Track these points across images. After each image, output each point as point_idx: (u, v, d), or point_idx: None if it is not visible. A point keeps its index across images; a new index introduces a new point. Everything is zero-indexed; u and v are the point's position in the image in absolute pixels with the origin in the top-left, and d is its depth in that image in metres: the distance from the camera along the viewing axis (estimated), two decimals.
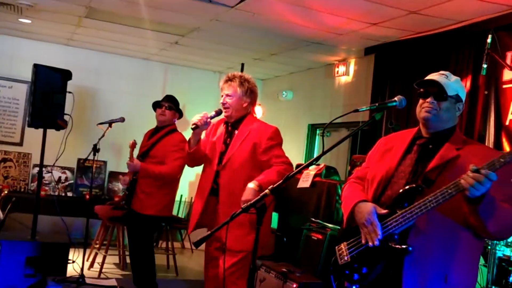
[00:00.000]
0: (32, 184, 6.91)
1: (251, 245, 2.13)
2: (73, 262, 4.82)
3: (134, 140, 4.39)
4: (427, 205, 1.93)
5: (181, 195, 7.25)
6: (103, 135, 4.68)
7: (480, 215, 1.84)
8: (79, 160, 7.02)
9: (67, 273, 4.62)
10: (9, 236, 4.63)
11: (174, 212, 5.26)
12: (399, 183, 2.11)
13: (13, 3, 5.32)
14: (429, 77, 2.17)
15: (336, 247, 2.23)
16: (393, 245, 2.01)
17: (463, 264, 2.03)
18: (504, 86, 4.10)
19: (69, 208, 6.43)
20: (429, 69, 2.26)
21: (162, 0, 4.66)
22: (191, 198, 7.42)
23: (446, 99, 2.10)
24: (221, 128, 3.35)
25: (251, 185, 2.99)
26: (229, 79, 3.29)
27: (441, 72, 2.18)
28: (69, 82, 4.77)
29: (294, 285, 3.56)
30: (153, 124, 4.66)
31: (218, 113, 3.28)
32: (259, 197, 2.06)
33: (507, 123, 4.02)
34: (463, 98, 2.18)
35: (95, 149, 4.55)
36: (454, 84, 2.14)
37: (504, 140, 4.04)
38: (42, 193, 5.76)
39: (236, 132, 3.27)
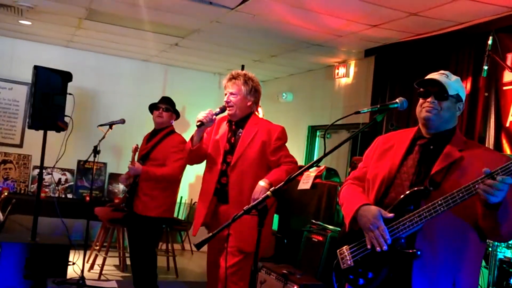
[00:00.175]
0: (32, 185, 6.90)
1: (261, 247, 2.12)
2: (73, 264, 4.82)
3: (137, 145, 4.39)
4: (436, 209, 1.90)
5: (181, 197, 7.24)
6: (103, 137, 4.68)
7: (498, 219, 1.83)
8: (79, 161, 7.01)
9: (67, 275, 4.61)
10: (9, 238, 4.63)
11: (174, 214, 5.25)
12: (403, 184, 2.08)
13: (13, 5, 5.32)
14: (429, 76, 2.14)
15: (338, 250, 2.20)
16: (400, 250, 1.99)
17: (470, 267, 2.01)
18: (505, 88, 4.10)
19: (69, 210, 6.42)
20: (429, 70, 2.25)
21: (162, 1, 4.66)
22: (191, 200, 7.42)
23: (447, 98, 2.08)
24: (224, 127, 3.32)
25: (262, 183, 2.99)
26: (233, 77, 3.26)
27: (441, 71, 2.16)
28: (69, 84, 4.77)
29: (295, 287, 3.56)
30: (153, 125, 4.66)
31: (223, 109, 3.24)
32: (260, 199, 2.05)
33: (507, 124, 4.02)
34: (463, 98, 2.16)
35: (96, 151, 4.54)
36: (455, 83, 2.12)
37: (504, 141, 4.03)
38: (42, 195, 5.75)
39: (241, 131, 3.25)
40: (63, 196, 7.00)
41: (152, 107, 4.55)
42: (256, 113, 3.36)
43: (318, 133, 6.77)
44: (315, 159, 6.79)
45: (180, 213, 7.37)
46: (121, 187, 7.26)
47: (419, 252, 1.94)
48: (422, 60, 4.79)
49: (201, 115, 3.12)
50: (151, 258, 4.35)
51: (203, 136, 3.24)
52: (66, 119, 4.68)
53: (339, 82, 6.27)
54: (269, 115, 7.33)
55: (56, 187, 7.00)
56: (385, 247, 1.98)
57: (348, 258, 2.14)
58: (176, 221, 6.39)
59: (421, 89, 2.13)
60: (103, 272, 5.42)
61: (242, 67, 6.76)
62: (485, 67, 3.43)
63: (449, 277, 1.96)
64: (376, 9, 4.24)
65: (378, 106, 2.21)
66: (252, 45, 5.97)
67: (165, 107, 4.46)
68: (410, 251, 1.96)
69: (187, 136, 3.77)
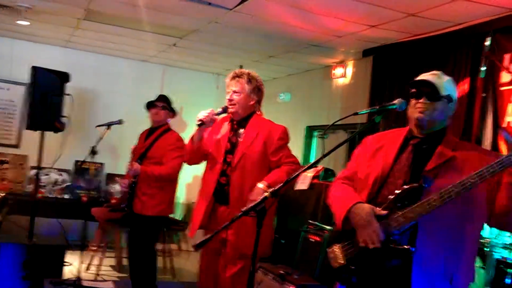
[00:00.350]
0: (28, 186, 6.89)
1: (260, 247, 2.10)
2: (70, 264, 4.81)
3: (135, 145, 4.39)
4: (431, 204, 1.91)
5: (178, 197, 7.22)
6: (101, 138, 4.67)
7: None
8: (76, 162, 6.99)
9: (63, 275, 4.61)
10: (6, 238, 4.61)
11: (171, 215, 5.24)
12: (396, 183, 2.09)
13: (11, 5, 5.30)
14: (421, 77, 2.15)
15: (328, 249, 2.19)
16: (394, 246, 1.99)
17: (466, 265, 2.03)
18: (502, 88, 4.10)
19: (66, 210, 6.42)
20: (427, 71, 2.25)
21: (161, 2, 4.65)
22: (188, 200, 7.40)
23: (439, 99, 2.10)
24: (226, 126, 3.27)
25: (260, 185, 2.95)
26: (237, 76, 3.22)
27: (433, 72, 2.17)
28: (67, 84, 4.77)
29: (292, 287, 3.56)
30: (149, 125, 4.64)
31: (225, 110, 3.19)
32: (259, 200, 2.04)
33: (504, 125, 4.03)
34: (455, 98, 2.18)
35: (93, 151, 4.53)
36: (447, 84, 2.14)
37: (501, 142, 4.04)
38: (39, 195, 5.73)
39: (243, 130, 3.20)
40: (60, 196, 6.98)
41: (149, 105, 4.54)
42: (258, 112, 3.31)
43: (315, 133, 6.77)
44: (312, 159, 6.82)
45: (177, 214, 7.36)
46: (117, 187, 7.25)
47: (413, 249, 1.95)
48: (420, 61, 4.79)
49: (202, 114, 3.07)
50: (151, 257, 4.34)
51: (203, 136, 3.19)
52: (63, 119, 4.67)
53: (336, 82, 6.27)
54: (267, 115, 7.26)
55: (53, 188, 6.98)
56: (378, 244, 1.99)
57: (340, 256, 2.12)
58: (173, 221, 6.38)
59: (413, 90, 2.14)
60: (100, 272, 5.41)
61: (240, 68, 6.76)
62: (483, 68, 3.44)
63: (447, 274, 1.97)
64: (374, 9, 4.24)
65: (377, 107, 2.20)
66: (250, 46, 5.97)
67: (162, 105, 4.46)
68: (404, 247, 1.97)
69: (184, 136, 3.75)
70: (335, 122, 2.42)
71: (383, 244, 1.99)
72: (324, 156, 2.14)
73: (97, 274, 5.35)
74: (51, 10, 5.35)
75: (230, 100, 3.17)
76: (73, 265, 4.94)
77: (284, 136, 3.21)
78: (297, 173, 2.17)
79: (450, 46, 4.54)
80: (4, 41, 6.95)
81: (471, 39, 4.30)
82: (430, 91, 2.09)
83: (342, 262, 2.11)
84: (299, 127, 6.82)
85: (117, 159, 7.04)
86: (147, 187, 4.19)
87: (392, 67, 5.21)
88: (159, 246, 6.15)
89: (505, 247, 3.14)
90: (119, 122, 4.79)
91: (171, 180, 4.34)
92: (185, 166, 4.18)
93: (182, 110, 7.02)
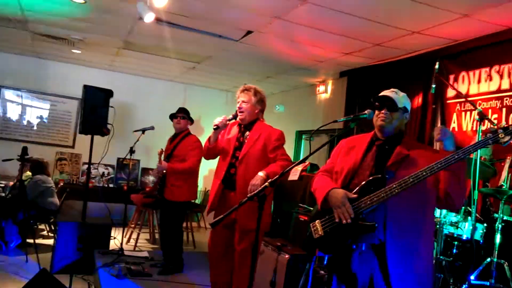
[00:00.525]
0: (82, 178, 6.89)
1: (262, 224, 2.09)
2: (114, 238, 4.81)
3: (162, 149, 4.39)
4: (392, 191, 1.91)
5: (198, 186, 7.22)
6: (137, 140, 4.67)
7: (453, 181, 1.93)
8: (118, 159, 7.00)
9: (109, 247, 4.60)
10: (65, 218, 4.62)
11: (193, 200, 5.24)
12: (364, 174, 2.08)
13: (67, 38, 5.32)
14: (382, 93, 2.15)
15: (310, 224, 2.18)
16: (361, 222, 1.98)
17: (427, 238, 2.02)
18: (448, 101, 4.11)
19: (111, 196, 6.42)
20: (389, 88, 2.25)
21: (183, 35, 4.66)
22: (205, 188, 7.40)
23: (397, 110, 2.09)
24: (235, 129, 3.24)
25: (261, 173, 2.92)
26: (246, 89, 3.18)
27: (392, 89, 2.17)
28: (110, 99, 4.75)
29: (287, 256, 3.55)
30: (173, 131, 4.64)
31: (234, 116, 3.17)
32: (260, 188, 2.03)
33: (450, 129, 4.03)
34: (409, 109, 2.17)
35: (131, 151, 4.54)
36: (402, 98, 2.13)
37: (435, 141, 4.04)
38: (90, 185, 5.74)
39: (248, 133, 3.17)
40: (106, 185, 6.99)
41: (172, 116, 4.53)
42: (261, 119, 3.28)
43: (303, 136, 6.76)
44: (301, 156, 6.81)
45: (198, 199, 7.36)
46: (151, 178, 7.25)
47: (376, 225, 1.94)
48: (384, 80, 4.79)
49: (217, 120, 3.05)
50: (177, 233, 4.32)
51: (218, 138, 3.17)
52: (109, 126, 4.67)
53: (320, 97, 6.26)
54: (266, 123, 7.33)
55: (101, 179, 6.98)
56: (349, 220, 1.99)
57: (319, 229, 2.12)
58: (194, 205, 6.38)
59: (377, 103, 2.14)
60: (137, 244, 5.41)
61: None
62: (433, 86, 3.43)
63: (414, 247, 1.96)
64: (348, 41, 4.25)
65: (352, 116, 2.21)
66: (253, 68, 5.97)
67: (182, 116, 4.44)
68: (369, 223, 1.96)
69: (203, 139, 3.75)
70: (319, 127, 2.42)
71: (353, 220, 1.99)
72: (311, 154, 2.14)
73: (135, 246, 5.37)
74: (98, 41, 5.36)
75: (239, 108, 3.15)
76: (116, 238, 4.94)
77: (281, 138, 3.19)
78: (290, 167, 2.17)
79: (407, 69, 4.54)
80: (62, 66, 6.96)
81: (424, 64, 4.30)
82: (389, 104, 2.09)
83: (321, 233, 2.10)
84: (290, 132, 6.82)
85: (150, 157, 7.04)
86: (174, 179, 4.18)
87: (362, 85, 5.21)
88: (183, 224, 6.17)
89: (452, 224, 3.13)
90: (151, 128, 4.79)
91: (193, 173, 4.33)
92: (203, 162, 4.18)
93: (200, 119, 7.03)
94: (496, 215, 2.98)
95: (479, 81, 3.81)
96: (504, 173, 3.08)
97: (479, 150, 2.96)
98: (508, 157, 3.15)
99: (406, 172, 1.92)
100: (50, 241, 5.28)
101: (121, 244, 4.56)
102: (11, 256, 4.63)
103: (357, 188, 2.04)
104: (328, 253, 2.11)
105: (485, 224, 3.06)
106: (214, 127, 3.06)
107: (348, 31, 3.98)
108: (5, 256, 4.64)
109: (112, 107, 4.74)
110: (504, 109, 3.56)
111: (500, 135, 1.78)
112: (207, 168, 7.13)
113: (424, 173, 1.87)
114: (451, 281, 2.97)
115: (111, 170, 7.13)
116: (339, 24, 3.83)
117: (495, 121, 3.46)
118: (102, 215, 5.62)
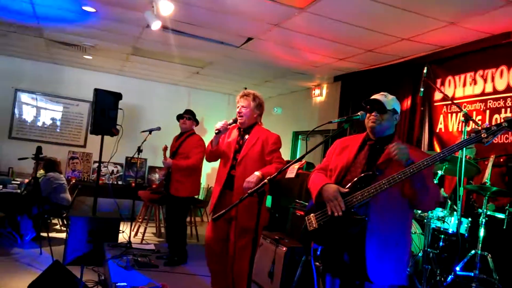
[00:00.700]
0: (92, 175, 6.89)
1: (261, 219, 2.10)
2: (123, 232, 4.80)
3: (166, 145, 4.38)
4: (381, 186, 1.92)
5: (201, 183, 7.22)
6: (145, 140, 4.66)
7: (417, 189, 1.92)
8: (127, 157, 7.00)
9: (118, 240, 4.60)
10: (76, 213, 4.61)
11: (197, 196, 5.23)
12: (356, 171, 2.08)
13: (79, 44, 5.31)
14: (373, 97, 2.14)
15: (306, 217, 2.18)
16: (352, 216, 1.98)
17: (406, 230, 2.03)
18: (435, 104, 4.10)
19: (119, 192, 6.41)
20: (381, 91, 2.25)
21: (187, 41, 4.65)
22: (208, 185, 7.39)
23: (386, 112, 2.09)
24: (235, 132, 3.24)
25: (257, 173, 2.91)
26: (245, 95, 3.18)
27: (382, 92, 2.17)
28: (120, 102, 4.75)
29: (284, 249, 3.55)
30: (179, 131, 4.63)
31: (235, 121, 3.17)
32: (260, 185, 2.03)
33: (437, 130, 4.03)
34: (399, 111, 2.17)
35: (139, 150, 4.52)
36: (391, 101, 2.13)
37: (435, 143, 4.04)
38: (100, 182, 5.73)
39: (247, 136, 3.16)
40: (115, 182, 6.98)
41: (179, 116, 4.53)
42: (260, 123, 3.28)
43: (300, 137, 6.75)
44: (298, 155, 6.80)
45: (201, 195, 7.36)
46: (157, 176, 7.25)
47: (366, 218, 1.94)
48: (376, 84, 4.80)
49: (219, 124, 3.05)
50: (182, 227, 4.31)
51: (219, 141, 3.18)
52: (118, 127, 4.66)
53: (315, 100, 6.26)
54: (264, 124, 7.33)
55: (110, 176, 6.98)
56: (340, 213, 1.98)
57: (314, 222, 2.11)
58: (198, 200, 6.38)
59: (368, 106, 2.14)
60: (144, 237, 5.41)
61: (245, 89, 6.75)
62: (422, 89, 3.43)
63: (393, 238, 1.96)
64: (342, 47, 4.25)
65: (345, 117, 2.20)
66: (252, 73, 5.97)
67: (188, 116, 4.44)
68: (360, 217, 1.96)
69: (206, 139, 3.74)
70: (315, 128, 2.42)
71: (345, 213, 1.99)
72: (307, 153, 2.13)
73: (142, 239, 5.36)
74: (108, 47, 5.36)
75: (239, 112, 3.15)
76: (125, 232, 4.92)
77: (277, 142, 3.17)
78: (288, 165, 2.16)
79: (397, 73, 4.54)
80: (74, 70, 6.95)
81: (413, 68, 4.30)
82: (379, 107, 2.09)
83: (315, 226, 2.10)
84: (288, 133, 6.82)
85: (156, 156, 7.05)
86: (179, 175, 4.17)
87: (355, 89, 5.22)
88: (187, 219, 6.17)
89: (438, 219, 3.13)
90: (158, 128, 4.78)
91: (196, 170, 4.32)
92: (206, 161, 4.17)
93: (203, 120, 7.03)
94: (480, 210, 2.98)
95: (464, 85, 3.81)
96: (488, 171, 3.08)
97: (464, 150, 2.97)
98: (492, 156, 3.15)
99: (394, 170, 1.92)
100: (63, 235, 5.28)
101: (129, 237, 4.56)
102: (26, 249, 4.63)
103: (350, 184, 2.04)
104: (322, 245, 2.11)
105: (469, 219, 3.06)
106: (216, 131, 3.06)
107: (342, 38, 3.98)
108: (21, 248, 4.64)
109: (121, 109, 4.74)
110: (487, 111, 3.56)
111: (482, 135, 1.78)
112: (210, 166, 7.13)
113: (412, 170, 1.87)
114: (438, 272, 2.97)
115: (120, 168, 7.13)
116: (333, 32, 3.83)
117: (479, 122, 3.46)
118: (111, 210, 5.61)
